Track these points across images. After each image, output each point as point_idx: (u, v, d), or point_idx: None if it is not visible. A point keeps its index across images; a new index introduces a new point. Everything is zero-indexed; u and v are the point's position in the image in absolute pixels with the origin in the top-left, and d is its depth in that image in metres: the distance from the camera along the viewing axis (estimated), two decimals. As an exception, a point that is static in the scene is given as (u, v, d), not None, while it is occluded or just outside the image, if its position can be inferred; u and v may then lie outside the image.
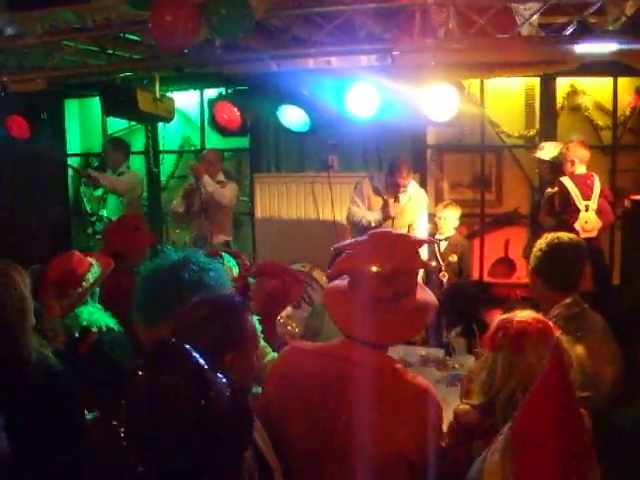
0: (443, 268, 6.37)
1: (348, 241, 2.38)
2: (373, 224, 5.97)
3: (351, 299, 2.22)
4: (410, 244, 2.35)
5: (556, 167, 6.10)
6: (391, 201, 6.02)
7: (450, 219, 6.47)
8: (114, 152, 7.27)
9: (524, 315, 2.41)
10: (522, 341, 2.31)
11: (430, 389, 2.21)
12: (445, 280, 6.31)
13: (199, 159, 6.99)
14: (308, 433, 2.19)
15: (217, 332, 2.03)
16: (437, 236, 6.48)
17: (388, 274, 2.17)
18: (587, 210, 5.67)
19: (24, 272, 2.60)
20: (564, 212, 5.79)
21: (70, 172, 8.49)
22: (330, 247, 2.59)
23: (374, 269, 2.17)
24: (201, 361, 1.61)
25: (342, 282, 2.29)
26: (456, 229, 6.58)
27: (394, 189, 6.01)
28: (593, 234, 5.70)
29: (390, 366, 2.20)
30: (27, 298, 2.54)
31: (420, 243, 2.50)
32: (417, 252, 2.36)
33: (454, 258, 6.39)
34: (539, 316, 2.45)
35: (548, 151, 6.23)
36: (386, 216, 6.01)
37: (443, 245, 6.44)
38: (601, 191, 5.80)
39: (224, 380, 1.63)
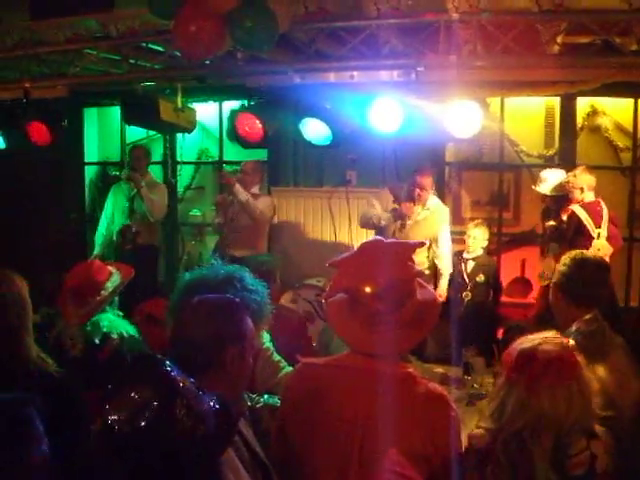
0: (468, 288, 6.31)
1: (341, 256, 2.31)
2: (383, 222, 5.95)
3: (352, 315, 2.21)
4: (402, 252, 2.30)
5: (561, 197, 6.00)
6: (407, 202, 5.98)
7: (479, 238, 6.38)
8: (145, 159, 7.14)
9: (548, 345, 2.24)
10: (540, 384, 2.16)
11: (444, 393, 2.22)
12: (467, 300, 6.24)
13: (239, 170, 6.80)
14: (328, 444, 2.18)
15: (218, 326, 2.08)
16: (465, 255, 6.43)
17: (382, 290, 2.14)
18: (599, 237, 5.61)
19: (23, 279, 2.67)
20: (576, 240, 5.68)
21: (87, 180, 8.52)
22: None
23: (368, 290, 2.14)
24: (175, 376, 1.68)
25: (342, 297, 2.27)
26: (484, 249, 6.49)
27: (413, 187, 5.97)
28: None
29: (403, 371, 2.20)
30: (28, 303, 2.63)
31: (412, 248, 2.39)
32: (410, 259, 2.27)
33: (481, 278, 6.32)
34: (564, 347, 2.26)
35: (550, 182, 6.12)
36: (398, 215, 5.95)
37: (471, 265, 6.39)
38: (609, 217, 5.74)
39: (203, 394, 1.72)
